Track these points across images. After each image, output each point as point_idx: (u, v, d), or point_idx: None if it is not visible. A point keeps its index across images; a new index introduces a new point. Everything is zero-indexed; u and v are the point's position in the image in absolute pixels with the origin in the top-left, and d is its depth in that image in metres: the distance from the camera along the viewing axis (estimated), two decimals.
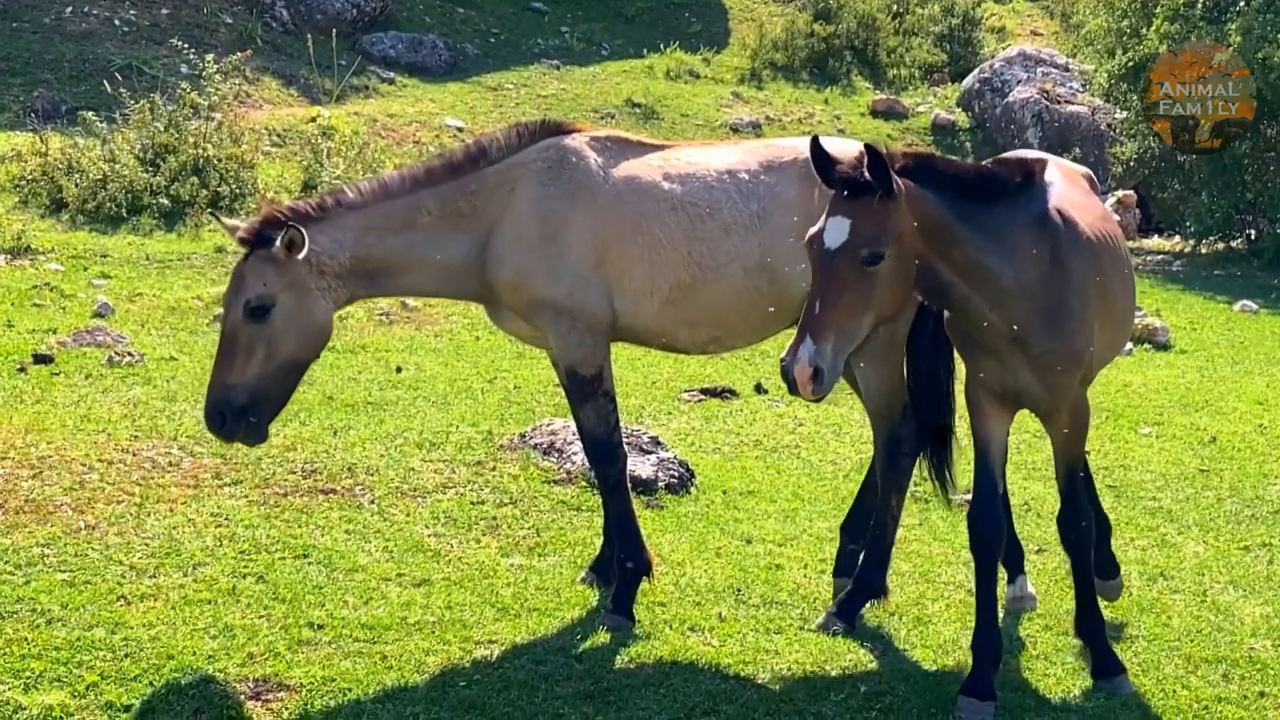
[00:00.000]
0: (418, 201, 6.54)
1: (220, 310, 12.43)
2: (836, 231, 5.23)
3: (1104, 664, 6.22)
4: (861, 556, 7.05)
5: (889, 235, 5.20)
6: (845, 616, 6.74)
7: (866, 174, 5.22)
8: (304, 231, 6.21)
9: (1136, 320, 13.58)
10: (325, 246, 6.37)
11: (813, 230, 5.33)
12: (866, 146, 5.25)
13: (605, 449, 6.79)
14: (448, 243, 6.56)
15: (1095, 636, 6.25)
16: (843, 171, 5.31)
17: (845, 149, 7.09)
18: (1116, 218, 6.75)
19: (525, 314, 6.65)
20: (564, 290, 6.52)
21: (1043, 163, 5.98)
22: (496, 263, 6.55)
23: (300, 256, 6.21)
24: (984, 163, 6.27)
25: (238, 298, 6.25)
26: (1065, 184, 6.14)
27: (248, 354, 6.24)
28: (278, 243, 6.19)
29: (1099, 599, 6.41)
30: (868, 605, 6.90)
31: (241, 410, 6.25)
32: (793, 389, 5.18)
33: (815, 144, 5.45)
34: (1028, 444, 10.07)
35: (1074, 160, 18.83)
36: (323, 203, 6.52)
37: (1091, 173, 6.92)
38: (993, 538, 5.97)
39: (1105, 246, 6.00)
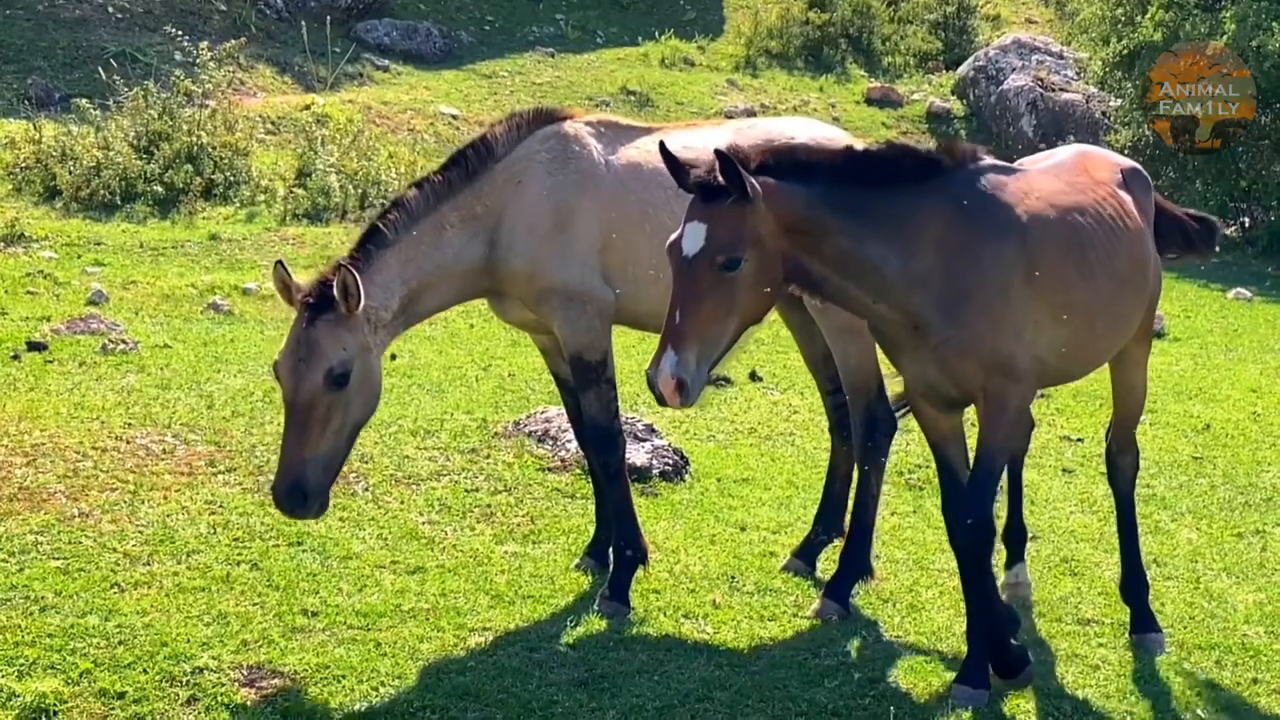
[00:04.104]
0: (440, 218, 6.47)
1: (216, 299, 12.54)
2: (693, 238, 5.13)
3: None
4: (844, 541, 7.14)
5: (746, 239, 5.09)
6: (839, 599, 6.78)
7: (720, 178, 5.10)
8: (356, 273, 6.00)
9: None
10: (379, 298, 6.22)
11: (672, 237, 5.24)
12: (716, 151, 5.12)
13: (606, 436, 6.80)
14: (466, 248, 6.53)
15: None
16: (697, 176, 5.20)
17: (814, 132, 7.16)
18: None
19: (534, 302, 6.65)
20: (575, 276, 6.55)
21: (960, 144, 5.78)
22: (508, 254, 6.54)
23: (359, 310, 6.01)
24: (877, 144, 6.06)
25: (314, 366, 5.96)
26: (1043, 171, 6.03)
27: (324, 424, 6.00)
28: (334, 290, 5.98)
29: None
30: (858, 591, 6.93)
31: (319, 485, 6.02)
32: (660, 400, 5.13)
33: (663, 149, 5.40)
34: None
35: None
36: (364, 248, 6.32)
37: (1138, 167, 6.60)
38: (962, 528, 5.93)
39: (1056, 234, 5.71)
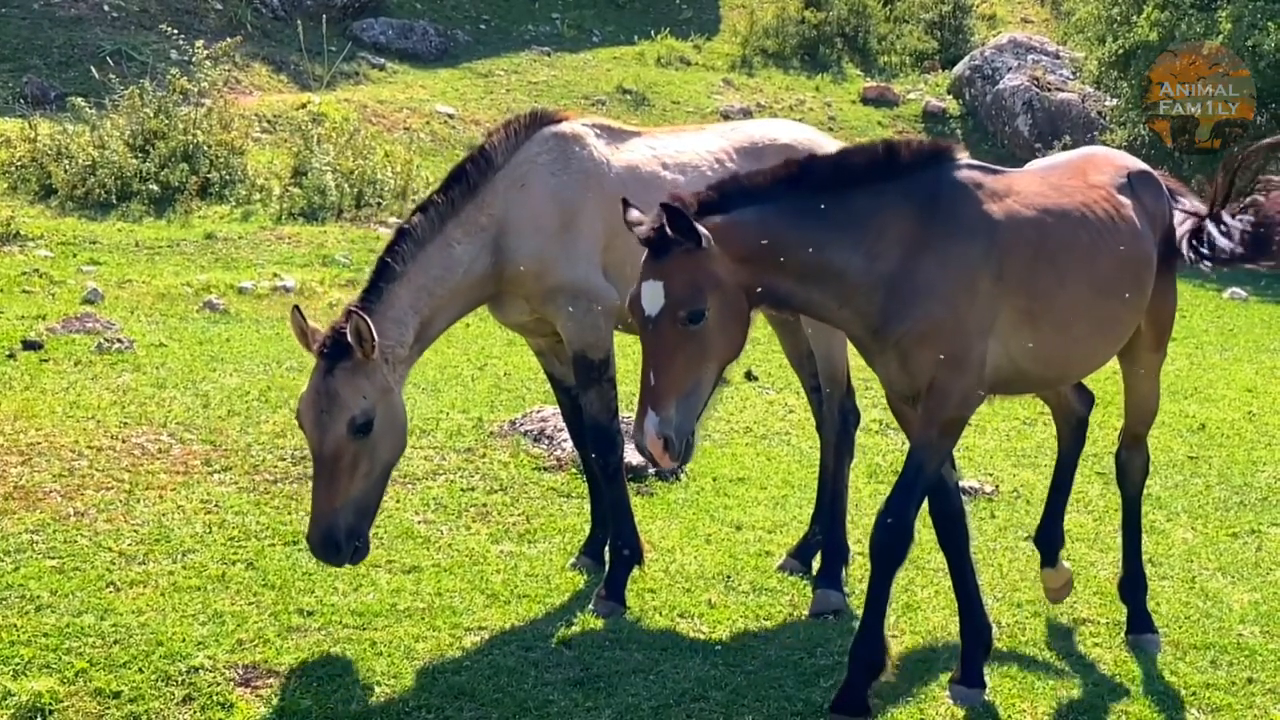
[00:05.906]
0: (447, 238, 6.46)
1: (211, 297, 12.54)
2: (651, 297, 5.00)
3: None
4: (823, 529, 7.28)
5: (705, 288, 4.98)
6: (833, 585, 6.86)
7: (668, 230, 4.99)
8: (368, 318, 5.98)
9: None
10: (394, 335, 6.22)
11: (631, 293, 5.13)
12: (662, 205, 5.00)
13: (606, 435, 6.81)
14: (475, 262, 6.52)
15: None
16: (641, 233, 5.09)
17: (796, 134, 7.19)
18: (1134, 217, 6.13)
19: (540, 301, 6.65)
20: (581, 274, 6.58)
21: (928, 142, 5.71)
22: (516, 256, 6.53)
23: (375, 354, 6.01)
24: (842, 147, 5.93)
25: (336, 417, 5.96)
26: (1029, 172, 6.00)
27: (351, 472, 6.03)
28: (348, 336, 5.97)
29: None
30: (852, 590, 6.95)
31: (352, 531, 6.04)
32: (651, 462, 5.09)
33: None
34: (1017, 431, 10.09)
35: (1064, 147, 18.70)
36: (376, 286, 6.30)
37: (1149, 171, 6.50)
38: (950, 524, 5.91)
39: (1029, 234, 5.60)
